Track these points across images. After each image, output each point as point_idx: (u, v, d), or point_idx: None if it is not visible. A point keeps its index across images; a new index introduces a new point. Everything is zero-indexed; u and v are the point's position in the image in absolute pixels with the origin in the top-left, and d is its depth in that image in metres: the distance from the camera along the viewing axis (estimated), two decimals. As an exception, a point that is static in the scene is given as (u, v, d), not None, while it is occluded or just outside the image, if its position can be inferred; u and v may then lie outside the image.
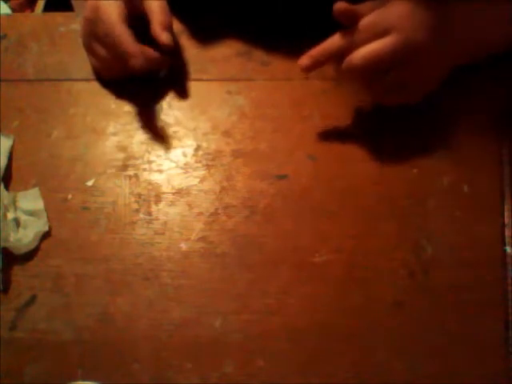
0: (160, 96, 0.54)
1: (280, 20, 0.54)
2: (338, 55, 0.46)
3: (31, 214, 0.50)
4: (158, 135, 0.52)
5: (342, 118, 0.51)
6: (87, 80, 0.55)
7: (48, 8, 1.15)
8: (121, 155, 0.52)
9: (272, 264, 0.48)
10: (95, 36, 0.50)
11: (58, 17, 0.58)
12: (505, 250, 0.46)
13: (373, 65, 0.43)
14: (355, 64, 0.44)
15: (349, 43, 0.45)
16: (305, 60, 0.46)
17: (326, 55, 0.46)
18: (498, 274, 0.46)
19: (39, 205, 0.50)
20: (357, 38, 0.44)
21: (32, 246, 0.49)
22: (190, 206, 0.50)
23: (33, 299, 0.48)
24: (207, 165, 0.51)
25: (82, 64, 0.55)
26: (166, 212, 0.50)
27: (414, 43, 0.43)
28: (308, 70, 0.47)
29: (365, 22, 0.44)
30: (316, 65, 0.47)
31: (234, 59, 0.54)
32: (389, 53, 0.43)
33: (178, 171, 0.51)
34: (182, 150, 0.52)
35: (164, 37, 0.48)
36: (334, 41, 0.46)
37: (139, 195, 0.51)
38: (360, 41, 0.44)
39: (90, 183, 0.51)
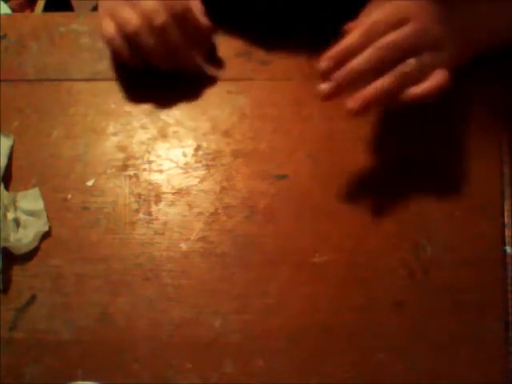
0: (160, 96, 0.54)
1: (280, 20, 0.54)
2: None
3: (31, 214, 0.50)
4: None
5: (342, 118, 0.51)
6: (87, 80, 0.55)
7: (48, 8, 1.16)
8: (121, 155, 0.52)
9: (272, 264, 0.48)
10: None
11: (58, 17, 0.58)
12: (505, 250, 0.46)
13: (392, 53, 0.43)
14: (378, 54, 0.43)
15: (367, 39, 0.43)
16: (324, 63, 0.44)
17: (346, 54, 0.43)
18: (497, 274, 0.46)
19: (39, 205, 0.50)
20: (375, 33, 0.43)
21: (32, 246, 0.49)
22: (189, 206, 0.50)
23: (33, 299, 0.48)
24: (207, 165, 0.51)
25: (82, 64, 0.55)
26: (166, 212, 0.50)
27: (430, 30, 0.44)
28: (327, 74, 0.44)
29: (379, 16, 0.44)
30: (337, 68, 0.43)
31: (234, 59, 0.54)
32: (408, 41, 0.43)
33: (177, 171, 0.51)
34: (182, 150, 0.52)
35: (205, 20, 0.50)
36: (352, 39, 0.44)
37: (139, 195, 0.51)
38: (378, 35, 0.43)
39: (90, 183, 0.51)
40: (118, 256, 0.49)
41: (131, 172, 0.51)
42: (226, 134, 0.52)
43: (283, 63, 0.54)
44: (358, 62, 0.43)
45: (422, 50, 0.44)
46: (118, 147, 0.52)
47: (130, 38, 0.49)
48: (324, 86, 0.44)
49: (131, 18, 0.48)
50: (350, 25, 0.46)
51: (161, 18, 0.47)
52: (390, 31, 0.43)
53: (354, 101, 0.43)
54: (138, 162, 0.52)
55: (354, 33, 0.44)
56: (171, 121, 0.53)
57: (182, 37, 0.49)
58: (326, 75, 0.44)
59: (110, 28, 0.49)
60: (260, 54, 0.54)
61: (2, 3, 1.19)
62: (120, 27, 0.49)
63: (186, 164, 0.51)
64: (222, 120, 0.53)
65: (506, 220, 0.47)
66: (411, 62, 0.43)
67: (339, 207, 0.49)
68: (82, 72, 0.55)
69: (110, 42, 0.50)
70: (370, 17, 0.44)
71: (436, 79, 0.43)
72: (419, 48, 0.44)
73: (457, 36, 0.45)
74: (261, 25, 0.55)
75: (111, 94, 0.54)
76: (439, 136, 0.50)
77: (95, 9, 0.68)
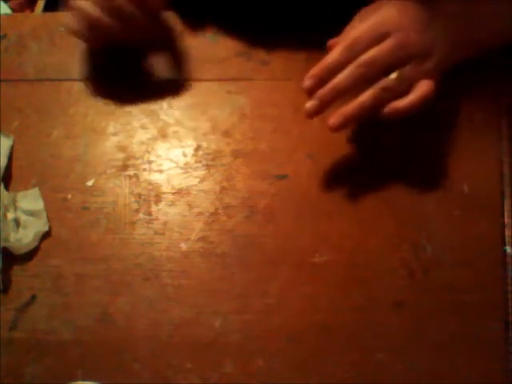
0: (160, 96, 0.54)
1: (280, 20, 0.54)
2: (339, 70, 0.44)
3: (31, 214, 0.50)
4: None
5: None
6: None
7: (48, 8, 1.15)
8: (121, 155, 0.52)
9: (272, 264, 0.48)
10: None
11: (58, 17, 0.58)
12: (505, 250, 0.46)
13: (374, 69, 0.43)
14: (359, 71, 0.43)
15: (348, 56, 0.44)
16: (308, 81, 0.44)
17: (328, 72, 0.44)
18: (498, 274, 0.46)
19: (39, 205, 0.50)
20: (356, 49, 0.43)
21: (32, 246, 0.49)
22: (189, 206, 0.50)
23: (33, 299, 0.48)
24: (207, 165, 0.51)
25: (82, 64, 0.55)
26: (166, 212, 0.50)
27: (412, 41, 0.43)
28: (312, 92, 0.44)
29: (360, 32, 0.44)
30: (321, 85, 0.44)
31: (234, 59, 0.54)
32: (390, 55, 0.43)
33: (177, 171, 0.51)
34: (182, 150, 0.52)
35: None
36: (333, 56, 0.44)
37: (139, 195, 0.51)
38: (359, 51, 0.43)
39: (90, 183, 0.51)
40: (118, 256, 0.49)
41: (131, 172, 0.51)
42: (226, 133, 0.52)
43: (283, 63, 0.54)
44: (339, 80, 0.43)
45: (405, 63, 0.44)
46: (118, 147, 0.52)
47: (91, 25, 0.48)
48: (308, 105, 0.44)
49: (85, 6, 0.47)
50: (332, 41, 0.46)
51: None
52: (371, 47, 0.43)
53: (335, 117, 0.44)
54: (138, 161, 0.52)
55: (336, 50, 0.44)
56: (171, 121, 0.53)
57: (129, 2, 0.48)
58: (310, 93, 0.45)
59: (72, 22, 0.49)
60: (260, 54, 0.54)
61: (2, 3, 1.19)
62: (79, 18, 0.48)
63: (185, 164, 0.51)
64: (221, 120, 0.53)
65: (506, 220, 0.47)
66: (392, 77, 0.43)
67: (339, 207, 0.49)
68: (82, 72, 0.55)
69: (77, 36, 0.50)
70: (352, 33, 0.44)
71: (420, 91, 0.43)
72: (401, 61, 0.44)
73: (446, 40, 0.44)
74: (261, 25, 0.55)
75: (111, 94, 0.54)
76: (439, 136, 0.50)
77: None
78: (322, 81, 0.44)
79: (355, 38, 0.44)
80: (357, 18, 0.46)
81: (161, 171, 0.51)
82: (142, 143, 0.52)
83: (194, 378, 0.45)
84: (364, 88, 0.44)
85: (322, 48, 0.47)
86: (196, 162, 0.51)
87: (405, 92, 0.44)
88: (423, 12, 0.44)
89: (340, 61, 0.44)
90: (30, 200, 0.50)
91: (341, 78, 0.43)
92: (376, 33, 0.44)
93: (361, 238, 0.48)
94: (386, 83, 0.43)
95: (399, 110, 0.43)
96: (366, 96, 0.44)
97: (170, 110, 0.53)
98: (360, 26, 0.44)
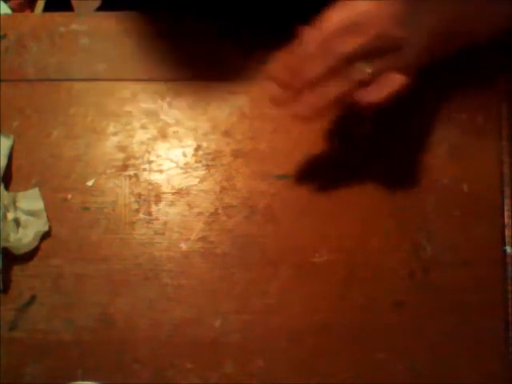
0: (160, 96, 0.54)
1: (279, 20, 0.54)
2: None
3: (31, 214, 0.50)
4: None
5: (341, 117, 0.51)
6: (87, 80, 0.55)
7: (48, 8, 1.15)
8: (121, 155, 0.52)
9: (272, 264, 0.48)
10: None
11: (58, 17, 0.58)
12: (505, 250, 0.46)
13: (347, 61, 0.42)
14: (334, 63, 0.42)
15: (323, 47, 0.42)
16: (278, 71, 0.43)
17: (301, 63, 0.43)
18: (498, 273, 0.46)
19: (39, 205, 0.50)
20: (331, 40, 0.42)
21: (32, 246, 0.49)
22: (189, 206, 0.50)
23: (33, 299, 0.48)
24: (207, 165, 0.51)
25: (82, 64, 0.55)
26: (166, 212, 0.50)
27: (388, 34, 0.42)
28: (280, 81, 0.43)
29: (335, 22, 0.42)
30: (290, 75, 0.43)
31: (234, 59, 0.54)
32: (365, 48, 0.42)
33: (178, 171, 0.51)
34: (182, 150, 0.52)
35: None
36: (307, 47, 0.43)
37: (139, 195, 0.51)
38: (334, 43, 0.42)
39: (90, 183, 0.51)
40: (118, 256, 0.49)
41: (131, 172, 0.51)
42: (226, 133, 0.52)
43: (283, 63, 0.54)
44: (313, 72, 0.42)
45: (379, 55, 0.42)
46: (118, 147, 0.52)
47: None
48: (277, 93, 0.43)
49: None
50: (306, 31, 0.45)
51: None
52: (346, 38, 0.42)
53: (302, 108, 0.43)
54: (138, 161, 0.52)
55: (309, 41, 0.43)
56: (171, 121, 0.53)
57: None
58: (278, 82, 0.43)
59: None
60: (260, 54, 0.54)
61: (2, 3, 1.19)
62: None
63: (185, 164, 0.51)
64: (221, 120, 0.53)
65: (506, 220, 0.47)
66: (365, 69, 0.42)
67: (339, 207, 0.49)
68: (82, 72, 0.55)
69: None
70: (327, 23, 0.43)
71: (390, 85, 0.42)
72: (376, 53, 0.42)
73: (429, 33, 0.43)
74: (261, 25, 0.55)
75: (111, 94, 0.54)
76: (438, 136, 0.50)
77: (96, 9, 0.68)
78: (292, 71, 0.43)
79: (330, 29, 0.42)
80: (334, 7, 0.46)
81: (161, 171, 0.51)
82: (142, 143, 0.52)
83: (193, 378, 0.45)
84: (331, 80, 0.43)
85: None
86: (196, 161, 0.51)
87: (375, 86, 0.42)
88: (405, 3, 0.43)
89: (314, 52, 0.42)
90: (30, 200, 0.50)
91: (315, 69, 0.42)
92: (352, 24, 0.42)
93: (361, 238, 0.48)
94: (360, 76, 0.42)
95: (368, 102, 0.42)
96: (335, 87, 0.42)
97: (170, 110, 0.53)
98: (336, 17, 0.43)
